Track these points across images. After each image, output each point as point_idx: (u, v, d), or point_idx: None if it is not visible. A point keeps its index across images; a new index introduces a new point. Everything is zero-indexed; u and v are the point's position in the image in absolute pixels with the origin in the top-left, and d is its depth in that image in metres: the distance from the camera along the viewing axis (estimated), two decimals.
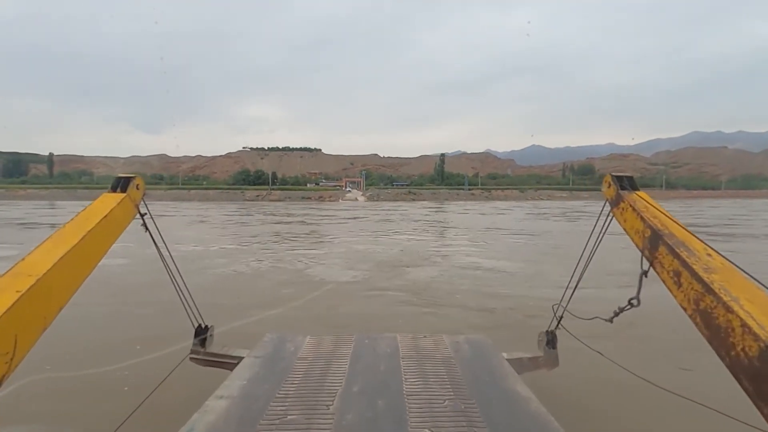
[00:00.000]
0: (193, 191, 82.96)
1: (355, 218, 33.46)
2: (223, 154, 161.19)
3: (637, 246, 2.17)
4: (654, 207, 2.21)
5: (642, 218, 2.14)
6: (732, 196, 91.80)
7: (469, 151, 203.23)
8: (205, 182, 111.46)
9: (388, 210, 44.23)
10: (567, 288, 3.18)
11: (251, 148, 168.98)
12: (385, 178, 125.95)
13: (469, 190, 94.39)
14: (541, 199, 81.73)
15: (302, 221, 30.17)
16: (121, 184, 2.53)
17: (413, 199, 75.13)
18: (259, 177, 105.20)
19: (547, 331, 3.46)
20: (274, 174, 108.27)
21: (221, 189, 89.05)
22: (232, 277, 10.26)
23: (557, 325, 3.34)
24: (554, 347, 3.42)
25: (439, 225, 28.00)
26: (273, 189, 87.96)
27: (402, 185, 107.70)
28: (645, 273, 2.07)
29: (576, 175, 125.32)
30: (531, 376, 3.36)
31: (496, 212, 41.89)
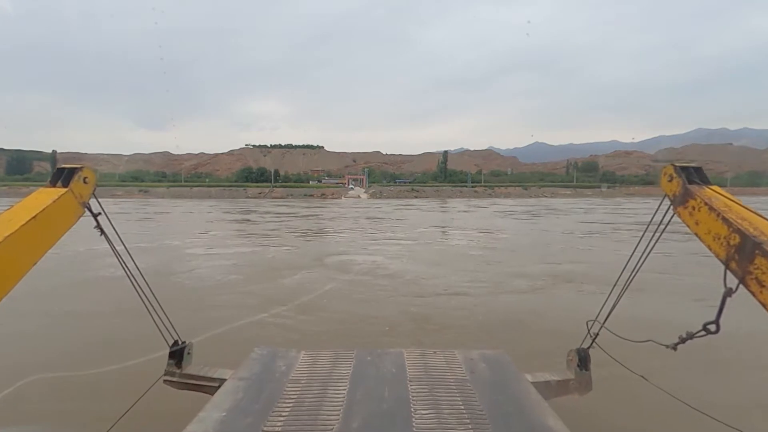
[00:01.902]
0: (195, 189, 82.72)
1: (308, 216, 33.14)
2: (226, 151, 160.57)
3: (717, 256, 1.67)
4: (739, 205, 1.71)
5: (725, 220, 1.63)
6: (738, 194, 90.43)
7: (471, 148, 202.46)
8: (207, 179, 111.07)
9: (352, 208, 43.90)
10: (606, 301, 2.69)
11: (254, 146, 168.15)
12: (387, 176, 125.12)
13: (473, 187, 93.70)
14: (545, 196, 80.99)
15: (247, 219, 29.96)
16: (63, 177, 2.03)
17: (415, 197, 74.61)
18: (262, 174, 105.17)
19: (578, 350, 2.96)
20: (276, 171, 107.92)
21: (223, 186, 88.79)
22: (91, 282, 9.80)
23: (591, 344, 2.86)
24: (587, 368, 2.93)
25: (380, 221, 27.78)
26: (275, 186, 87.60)
27: (405, 182, 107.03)
28: (730, 292, 1.57)
29: (580, 172, 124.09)
30: (560, 402, 2.89)
31: (467, 209, 41.80)
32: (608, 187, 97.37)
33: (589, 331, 2.82)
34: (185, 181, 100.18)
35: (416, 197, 74.06)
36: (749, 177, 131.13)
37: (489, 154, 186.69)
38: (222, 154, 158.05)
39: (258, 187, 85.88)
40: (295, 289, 9.08)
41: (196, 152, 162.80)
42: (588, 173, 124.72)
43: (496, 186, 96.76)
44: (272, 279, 10.12)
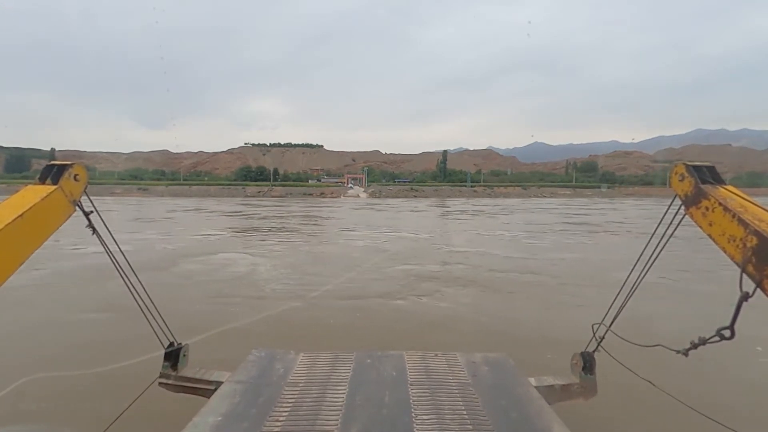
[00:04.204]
0: (194, 187, 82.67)
1: (250, 215, 33.09)
2: (225, 150, 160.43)
3: (732, 258, 1.60)
4: (755, 205, 1.64)
5: (741, 221, 1.57)
6: None
7: (471, 148, 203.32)
8: (206, 178, 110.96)
9: (313, 207, 43.83)
10: (612, 304, 2.63)
11: (253, 144, 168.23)
12: (387, 175, 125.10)
13: (472, 187, 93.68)
14: (544, 196, 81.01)
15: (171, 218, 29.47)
16: (52, 174, 1.95)
17: (415, 196, 74.60)
18: (261, 173, 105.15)
19: (583, 353, 2.89)
20: (275, 170, 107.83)
21: (222, 185, 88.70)
22: None
23: (597, 347, 2.80)
24: (592, 373, 2.87)
25: (317, 220, 28.26)
26: (275, 185, 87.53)
27: (404, 182, 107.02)
28: (747, 296, 1.51)
29: (579, 173, 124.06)
30: (563, 407, 2.83)
31: (425, 209, 41.72)
32: (608, 188, 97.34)
33: (594, 334, 2.76)
34: (184, 180, 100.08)
35: (415, 196, 74.06)
36: (749, 178, 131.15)
37: (488, 153, 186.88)
38: (221, 152, 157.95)
39: (257, 185, 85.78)
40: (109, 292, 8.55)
41: (196, 150, 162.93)
42: (587, 173, 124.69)
43: (496, 186, 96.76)
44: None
